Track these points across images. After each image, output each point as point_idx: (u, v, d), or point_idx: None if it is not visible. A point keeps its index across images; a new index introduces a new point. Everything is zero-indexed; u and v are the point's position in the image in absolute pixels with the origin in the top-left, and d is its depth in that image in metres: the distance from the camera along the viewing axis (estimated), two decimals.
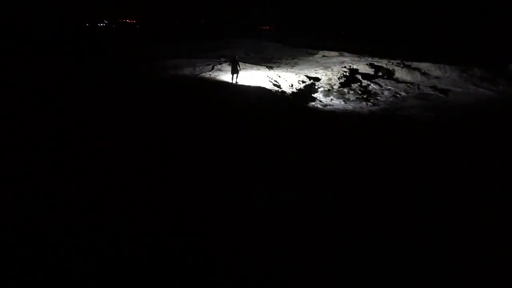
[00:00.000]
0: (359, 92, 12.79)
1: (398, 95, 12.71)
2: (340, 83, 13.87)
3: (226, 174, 5.22)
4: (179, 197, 4.52)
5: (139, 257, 3.38)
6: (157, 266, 3.27)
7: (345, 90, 13.04)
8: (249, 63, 16.33)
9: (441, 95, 12.88)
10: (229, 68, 12.11)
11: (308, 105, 11.10)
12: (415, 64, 16.68)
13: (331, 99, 11.95)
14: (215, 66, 15.25)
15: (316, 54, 21.91)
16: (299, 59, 20.45)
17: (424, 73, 15.70)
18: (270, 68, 16.50)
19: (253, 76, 13.32)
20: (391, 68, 16.16)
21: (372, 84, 13.93)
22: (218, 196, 4.58)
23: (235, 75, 11.63)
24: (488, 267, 3.53)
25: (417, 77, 15.31)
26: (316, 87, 13.41)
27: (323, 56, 20.97)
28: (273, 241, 3.72)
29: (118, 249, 3.48)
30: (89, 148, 5.90)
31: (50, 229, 3.73)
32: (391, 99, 12.20)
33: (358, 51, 21.58)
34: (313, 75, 14.72)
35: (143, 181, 4.88)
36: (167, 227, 3.89)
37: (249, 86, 11.25)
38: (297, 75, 14.47)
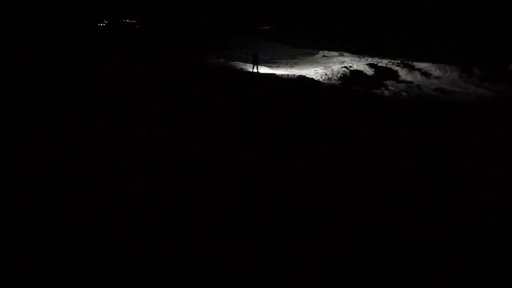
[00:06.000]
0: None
1: (398, 95, 12.71)
2: (340, 83, 13.89)
3: None
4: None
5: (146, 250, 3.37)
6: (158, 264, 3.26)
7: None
8: (249, 63, 16.34)
9: (442, 95, 12.89)
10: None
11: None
12: (415, 64, 16.71)
13: None
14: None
15: (316, 54, 21.95)
16: (299, 59, 20.48)
17: (424, 73, 15.73)
18: (270, 68, 16.51)
19: None
20: (392, 68, 16.18)
21: (372, 84, 13.95)
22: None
23: (255, 66, 14.47)
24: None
25: (417, 77, 15.34)
26: None
27: (323, 56, 21.01)
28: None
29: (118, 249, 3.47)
30: None
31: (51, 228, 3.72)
32: (392, 100, 12.20)
33: (358, 51, 21.58)
34: (313, 75, 14.72)
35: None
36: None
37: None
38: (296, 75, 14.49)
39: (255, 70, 14.40)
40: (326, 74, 14.75)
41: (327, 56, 20.70)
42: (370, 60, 18.02)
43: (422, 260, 3.58)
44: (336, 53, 20.89)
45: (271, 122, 8.10)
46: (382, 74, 15.54)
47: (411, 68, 16.20)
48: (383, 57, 18.74)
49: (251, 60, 15.05)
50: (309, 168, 5.71)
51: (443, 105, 11.58)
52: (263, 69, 15.28)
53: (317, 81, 13.86)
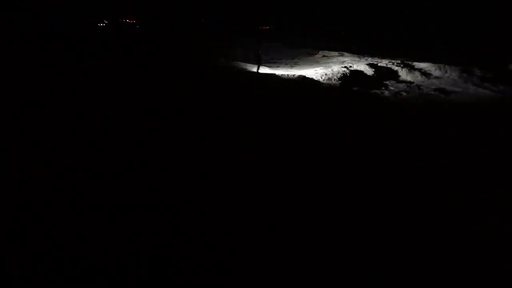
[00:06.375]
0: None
1: (398, 96, 12.71)
2: (340, 83, 13.89)
3: None
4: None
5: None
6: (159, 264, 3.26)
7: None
8: (249, 63, 16.32)
9: (442, 95, 12.89)
10: None
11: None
12: (415, 64, 16.71)
13: None
14: None
15: (316, 54, 21.94)
16: (299, 59, 20.48)
17: (424, 73, 15.72)
18: (270, 68, 16.51)
19: None
20: (392, 68, 16.18)
21: (372, 84, 13.95)
22: None
23: (258, 66, 14.49)
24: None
25: (417, 77, 15.33)
26: None
27: (323, 56, 21.00)
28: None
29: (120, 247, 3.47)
30: None
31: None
32: (392, 100, 12.20)
33: (358, 51, 21.59)
34: (313, 75, 14.72)
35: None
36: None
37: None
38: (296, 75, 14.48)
39: (258, 70, 14.42)
40: (326, 74, 14.75)
41: (327, 56, 20.69)
42: (370, 60, 18.01)
43: (422, 260, 3.58)
44: (336, 53, 20.88)
45: (271, 122, 8.10)
46: (382, 74, 15.53)
47: (411, 68, 16.19)
48: (383, 57, 18.74)
49: (253, 60, 15.08)
50: (309, 168, 5.71)
51: (443, 105, 11.59)
52: (263, 69, 15.27)
53: (317, 81, 13.86)
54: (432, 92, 13.23)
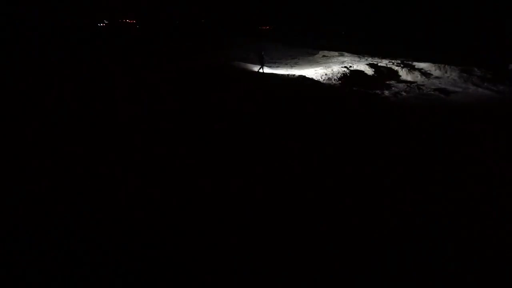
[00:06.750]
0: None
1: (398, 95, 12.71)
2: (340, 83, 13.89)
3: None
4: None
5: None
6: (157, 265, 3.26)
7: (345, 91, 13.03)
8: (249, 63, 16.32)
9: (442, 95, 12.89)
10: None
11: None
12: (415, 64, 16.72)
13: None
14: None
15: (316, 54, 21.93)
16: (299, 59, 20.47)
17: (424, 73, 15.73)
18: (270, 68, 16.51)
19: None
20: (392, 68, 16.18)
21: (372, 84, 13.95)
22: None
23: (261, 66, 14.48)
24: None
25: (417, 77, 15.34)
26: None
27: (323, 56, 21.00)
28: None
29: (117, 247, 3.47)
30: None
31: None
32: (392, 99, 12.20)
33: (358, 51, 21.59)
34: (312, 75, 14.72)
35: None
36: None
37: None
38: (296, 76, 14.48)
39: (261, 70, 14.35)
40: (326, 74, 14.74)
41: (327, 56, 20.69)
42: (370, 60, 18.01)
43: (422, 260, 3.58)
44: (336, 53, 20.88)
45: (270, 122, 8.10)
46: (382, 74, 15.53)
47: (411, 68, 16.19)
48: (383, 57, 18.74)
49: (253, 60, 15.06)
50: (308, 168, 5.71)
51: (443, 105, 11.58)
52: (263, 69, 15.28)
53: (317, 81, 13.86)
54: (432, 92, 13.22)
